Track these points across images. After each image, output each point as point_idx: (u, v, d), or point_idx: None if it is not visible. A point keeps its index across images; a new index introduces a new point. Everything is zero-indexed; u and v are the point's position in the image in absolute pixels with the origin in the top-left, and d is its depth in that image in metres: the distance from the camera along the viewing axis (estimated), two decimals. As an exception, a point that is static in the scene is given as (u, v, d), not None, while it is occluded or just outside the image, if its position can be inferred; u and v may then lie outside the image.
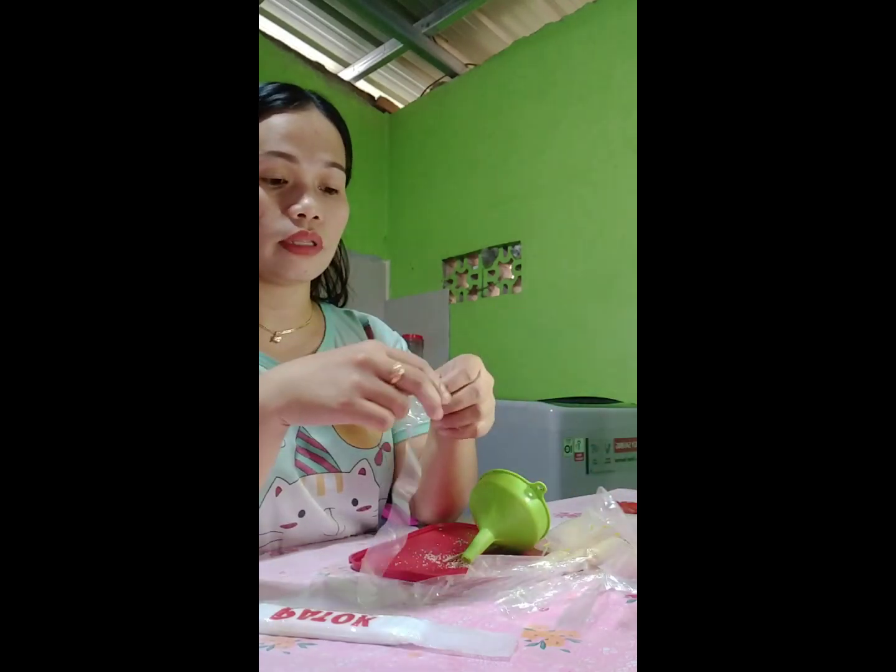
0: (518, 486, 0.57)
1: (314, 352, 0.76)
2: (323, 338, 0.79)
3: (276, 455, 0.57)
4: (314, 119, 0.68)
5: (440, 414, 0.50)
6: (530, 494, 0.57)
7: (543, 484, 0.59)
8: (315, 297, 0.84)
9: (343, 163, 0.71)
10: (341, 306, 0.88)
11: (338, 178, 0.69)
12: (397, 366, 0.48)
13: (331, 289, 0.87)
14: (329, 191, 0.69)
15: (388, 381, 0.47)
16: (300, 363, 0.51)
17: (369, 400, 0.47)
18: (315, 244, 0.67)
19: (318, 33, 3.18)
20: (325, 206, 0.67)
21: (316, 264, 0.70)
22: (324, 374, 0.48)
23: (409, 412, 0.49)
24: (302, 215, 0.65)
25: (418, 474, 0.60)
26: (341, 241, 0.77)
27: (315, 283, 0.84)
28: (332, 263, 0.81)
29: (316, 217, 0.66)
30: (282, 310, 0.75)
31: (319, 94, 0.72)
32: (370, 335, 0.86)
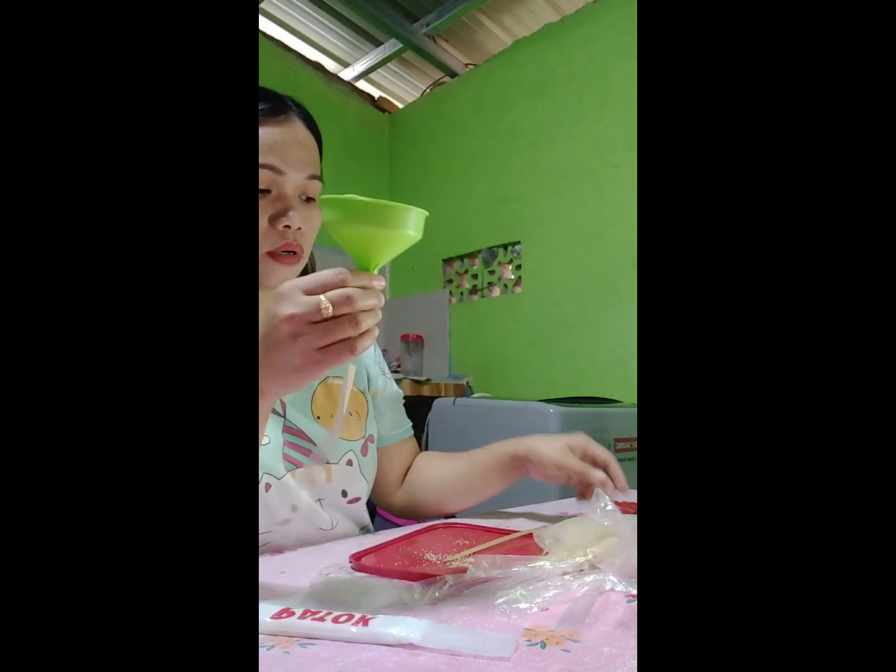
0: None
1: None
2: None
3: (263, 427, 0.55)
4: (297, 130, 0.70)
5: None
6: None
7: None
8: None
9: (320, 172, 0.73)
10: None
11: (317, 188, 0.72)
12: (319, 300, 0.44)
13: None
14: (308, 200, 0.71)
15: (324, 319, 0.44)
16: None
17: (325, 346, 0.45)
18: (296, 253, 0.70)
19: (318, 33, 3.17)
20: (305, 215, 0.70)
21: (295, 272, 0.73)
22: (274, 357, 0.45)
23: None
24: (287, 226, 0.67)
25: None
26: None
27: None
28: None
29: (299, 228, 0.68)
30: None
31: (296, 99, 0.74)
32: None
